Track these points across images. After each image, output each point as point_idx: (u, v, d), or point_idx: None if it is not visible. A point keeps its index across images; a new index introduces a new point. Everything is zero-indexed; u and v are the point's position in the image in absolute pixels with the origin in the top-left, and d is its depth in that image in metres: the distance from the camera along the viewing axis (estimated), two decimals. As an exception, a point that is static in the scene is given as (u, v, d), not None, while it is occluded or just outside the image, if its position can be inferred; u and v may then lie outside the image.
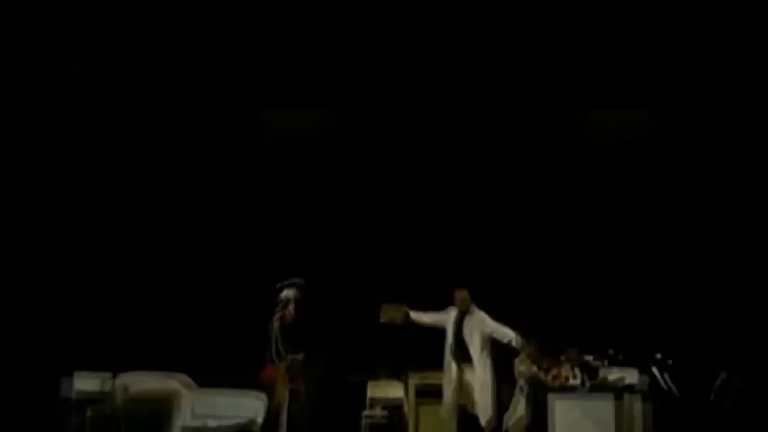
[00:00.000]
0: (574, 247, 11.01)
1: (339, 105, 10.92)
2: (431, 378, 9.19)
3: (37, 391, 6.68)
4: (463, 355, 8.55)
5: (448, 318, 8.71)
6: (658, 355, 8.30)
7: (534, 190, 11.10)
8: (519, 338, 8.45)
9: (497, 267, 10.71)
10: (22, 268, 6.81)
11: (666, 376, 8.13)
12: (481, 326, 8.52)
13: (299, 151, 11.09)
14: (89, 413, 8.09)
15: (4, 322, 6.48)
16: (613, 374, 8.44)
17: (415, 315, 8.84)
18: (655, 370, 8.21)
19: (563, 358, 8.81)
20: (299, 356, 8.43)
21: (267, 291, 8.70)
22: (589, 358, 8.52)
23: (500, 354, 8.73)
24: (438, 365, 8.97)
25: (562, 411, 7.61)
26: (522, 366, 8.79)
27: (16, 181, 8.36)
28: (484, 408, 8.39)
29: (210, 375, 8.31)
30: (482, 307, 8.79)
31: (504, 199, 11.06)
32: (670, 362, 8.16)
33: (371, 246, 10.87)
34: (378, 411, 9.03)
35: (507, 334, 8.41)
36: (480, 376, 8.45)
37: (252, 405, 7.64)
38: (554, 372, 8.66)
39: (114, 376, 8.14)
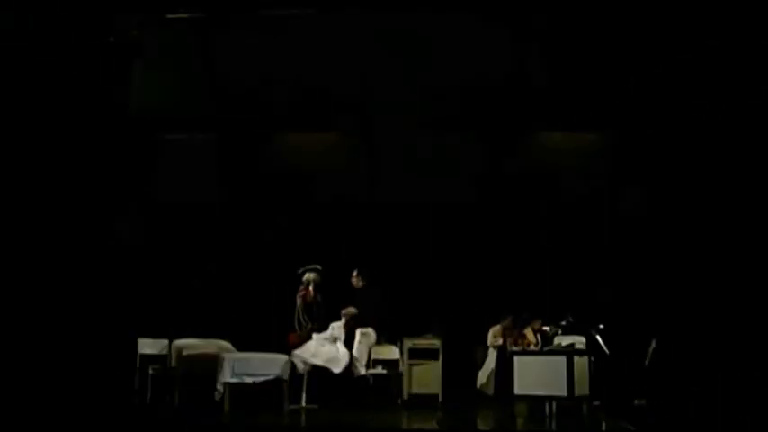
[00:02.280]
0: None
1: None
2: (419, 342, 10.12)
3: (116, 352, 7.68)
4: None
5: None
6: (601, 326, 9.13)
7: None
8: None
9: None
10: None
11: (604, 342, 9.04)
12: None
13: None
14: (150, 371, 9.32)
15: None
16: (566, 340, 9.37)
17: None
18: (597, 337, 9.02)
19: (529, 327, 10.23)
20: (317, 326, 9.41)
21: (291, 275, 9.67)
22: (547, 328, 9.71)
23: (478, 320, 9.87)
24: (424, 333, 10.10)
25: (524, 367, 8.62)
26: (492, 337, 10.36)
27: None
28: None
29: (246, 341, 9.48)
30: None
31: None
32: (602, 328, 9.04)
33: (373, 245, 11.15)
34: (380, 368, 9.87)
35: None
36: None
37: (279, 365, 8.70)
38: (519, 339, 10.04)
39: (170, 342, 9.42)
